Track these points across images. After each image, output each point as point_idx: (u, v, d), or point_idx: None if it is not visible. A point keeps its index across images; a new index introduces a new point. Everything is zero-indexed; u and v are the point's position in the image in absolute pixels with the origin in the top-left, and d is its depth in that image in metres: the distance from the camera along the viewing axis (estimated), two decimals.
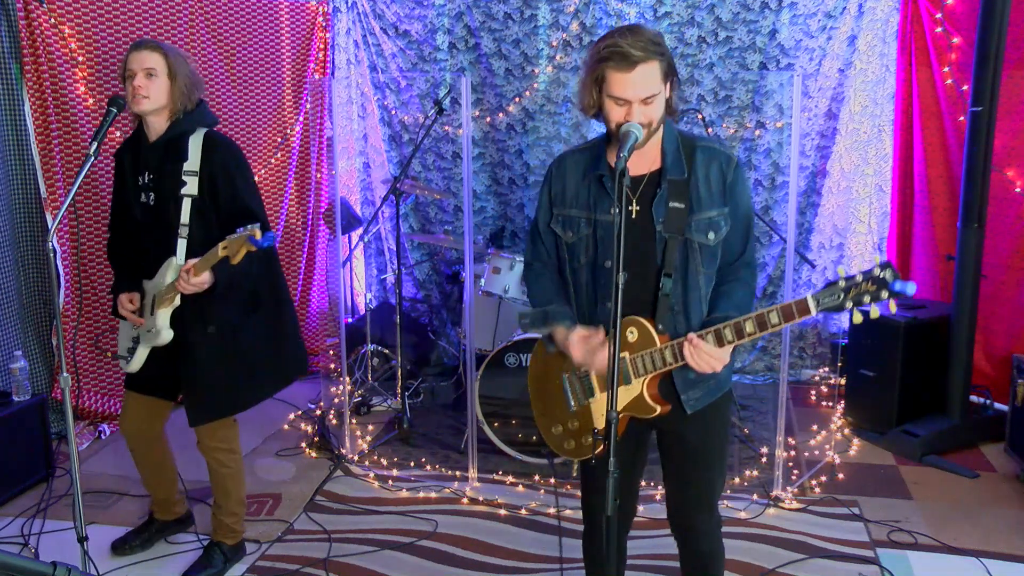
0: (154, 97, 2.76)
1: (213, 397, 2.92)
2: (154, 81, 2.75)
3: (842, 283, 1.83)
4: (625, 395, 2.11)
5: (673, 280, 2.10)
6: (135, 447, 3.14)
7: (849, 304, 1.83)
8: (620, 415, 2.11)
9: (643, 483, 2.55)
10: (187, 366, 2.88)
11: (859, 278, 1.80)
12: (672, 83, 2.07)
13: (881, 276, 1.78)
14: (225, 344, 2.87)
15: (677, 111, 2.13)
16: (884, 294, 1.78)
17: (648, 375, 2.09)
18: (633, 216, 2.12)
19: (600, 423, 2.18)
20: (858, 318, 1.85)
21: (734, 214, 2.14)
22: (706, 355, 1.99)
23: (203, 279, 2.67)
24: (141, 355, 2.91)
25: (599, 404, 2.20)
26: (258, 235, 2.45)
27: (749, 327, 1.94)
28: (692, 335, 2.00)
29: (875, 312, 1.82)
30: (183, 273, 2.67)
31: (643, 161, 2.14)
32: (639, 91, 2.00)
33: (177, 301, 2.80)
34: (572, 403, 2.25)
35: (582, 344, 2.13)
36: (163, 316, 2.83)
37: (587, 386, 2.22)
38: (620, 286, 1.82)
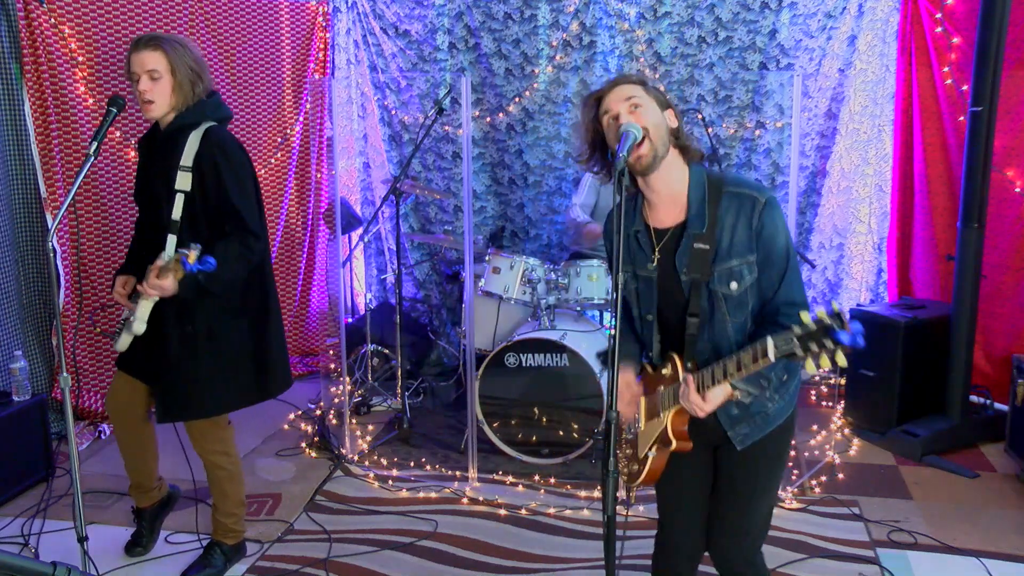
0: (159, 100, 2.73)
1: (179, 397, 2.85)
2: (158, 83, 2.72)
3: (797, 329, 1.71)
4: (655, 428, 2.09)
5: (700, 322, 2.07)
6: (117, 424, 3.10)
7: (799, 351, 1.69)
8: (655, 450, 2.08)
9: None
10: (159, 361, 2.84)
11: (812, 324, 1.68)
12: (674, 115, 2.11)
13: (828, 324, 1.66)
14: (200, 346, 2.81)
15: (692, 148, 2.12)
16: (829, 343, 1.65)
17: (671, 409, 2.05)
18: (655, 263, 2.12)
19: (642, 452, 2.15)
20: (811, 368, 1.70)
21: (767, 259, 2.04)
22: (690, 400, 1.96)
23: (165, 284, 2.60)
24: (125, 339, 2.85)
25: (643, 435, 2.17)
26: (192, 258, 2.40)
27: (731, 368, 1.87)
28: (688, 376, 1.97)
29: (840, 361, 1.68)
30: (149, 272, 2.62)
31: (672, 211, 2.12)
32: (620, 97, 2.06)
33: (157, 296, 2.72)
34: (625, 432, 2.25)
35: (626, 391, 2.21)
36: (143, 307, 2.76)
37: (637, 417, 2.22)
38: (620, 286, 1.83)
